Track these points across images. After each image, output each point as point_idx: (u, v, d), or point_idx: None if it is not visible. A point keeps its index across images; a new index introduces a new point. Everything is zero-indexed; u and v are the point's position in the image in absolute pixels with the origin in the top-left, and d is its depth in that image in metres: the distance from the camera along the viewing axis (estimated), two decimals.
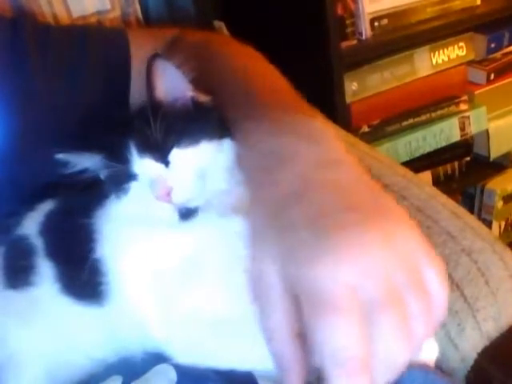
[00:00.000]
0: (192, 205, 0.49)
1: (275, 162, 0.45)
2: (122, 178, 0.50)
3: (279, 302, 0.41)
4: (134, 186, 0.50)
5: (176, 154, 0.49)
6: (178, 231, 0.50)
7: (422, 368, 0.52)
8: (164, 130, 0.48)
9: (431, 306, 0.39)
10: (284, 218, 0.41)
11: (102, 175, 0.52)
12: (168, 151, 0.48)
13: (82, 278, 0.51)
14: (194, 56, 0.56)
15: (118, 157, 0.49)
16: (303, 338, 0.40)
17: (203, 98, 0.52)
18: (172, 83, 0.51)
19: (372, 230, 0.39)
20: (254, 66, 0.58)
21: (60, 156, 0.51)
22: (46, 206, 0.57)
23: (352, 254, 0.38)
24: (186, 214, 0.49)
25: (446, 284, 0.40)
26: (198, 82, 0.52)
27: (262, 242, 0.42)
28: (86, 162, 0.51)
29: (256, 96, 0.52)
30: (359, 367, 0.37)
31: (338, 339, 0.37)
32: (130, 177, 0.50)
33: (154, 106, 0.49)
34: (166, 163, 0.49)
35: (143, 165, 0.49)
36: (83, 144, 0.51)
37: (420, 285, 0.39)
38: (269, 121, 0.48)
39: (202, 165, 0.49)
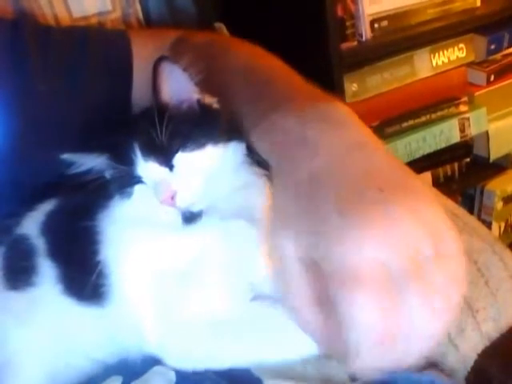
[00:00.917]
0: (196, 209, 0.49)
1: (305, 149, 0.45)
2: (126, 180, 0.50)
3: (299, 274, 0.41)
4: (138, 188, 0.50)
5: (181, 158, 0.48)
6: (181, 235, 0.50)
7: (431, 376, 0.52)
8: (169, 134, 0.48)
9: (454, 278, 0.40)
10: (312, 198, 0.42)
11: (108, 175, 0.51)
12: (173, 155, 0.48)
13: (83, 279, 0.51)
14: (199, 56, 0.56)
15: (122, 159, 0.49)
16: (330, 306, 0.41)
17: (210, 100, 0.52)
18: (178, 86, 0.51)
19: (398, 206, 0.40)
20: (264, 61, 0.58)
21: (65, 156, 0.51)
22: (46, 206, 0.57)
23: (378, 228, 0.39)
24: (190, 217, 0.49)
25: (465, 259, 0.41)
26: (205, 83, 0.52)
27: (288, 223, 0.42)
28: (91, 162, 0.51)
29: (274, 88, 0.52)
30: (387, 340, 0.38)
31: (366, 315, 0.38)
32: (135, 179, 0.50)
33: (159, 109, 0.49)
34: (171, 167, 0.48)
35: (147, 168, 0.49)
36: (88, 144, 0.51)
37: (444, 258, 0.40)
38: (294, 110, 0.48)
39: (206, 169, 0.49)
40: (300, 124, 0.47)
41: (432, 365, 0.57)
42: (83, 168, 0.51)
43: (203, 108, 0.51)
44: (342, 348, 0.40)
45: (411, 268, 0.39)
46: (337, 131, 0.46)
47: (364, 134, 0.46)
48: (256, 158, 0.51)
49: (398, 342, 0.38)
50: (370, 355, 0.39)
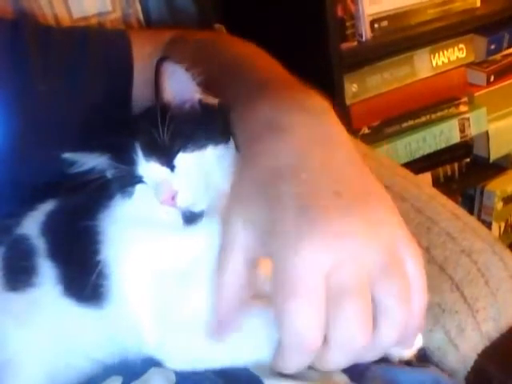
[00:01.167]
0: (197, 209, 0.49)
1: (273, 130, 0.45)
2: (127, 180, 0.50)
3: (237, 263, 0.42)
4: (139, 188, 0.50)
5: (182, 159, 0.48)
6: (181, 235, 0.50)
7: (433, 373, 0.53)
8: (171, 134, 0.48)
9: (409, 292, 0.40)
10: (273, 189, 0.41)
11: (109, 174, 0.51)
12: (174, 155, 0.48)
13: (83, 280, 0.51)
14: (196, 53, 0.56)
15: (124, 158, 0.49)
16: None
17: (211, 101, 0.52)
18: (180, 86, 0.50)
19: (355, 218, 0.39)
20: (258, 59, 0.58)
21: (66, 155, 0.51)
22: (47, 206, 0.57)
23: (332, 241, 0.39)
24: (191, 217, 0.49)
25: (423, 269, 0.41)
26: (203, 80, 0.52)
27: (246, 206, 0.42)
28: (92, 162, 0.51)
29: (254, 76, 0.53)
30: (310, 349, 0.39)
31: (298, 323, 0.39)
32: (136, 179, 0.50)
33: (161, 109, 0.49)
34: (172, 167, 0.48)
35: (149, 168, 0.49)
36: (88, 144, 0.51)
37: (399, 270, 0.40)
38: (272, 96, 0.48)
39: (207, 169, 0.49)
40: (273, 107, 0.47)
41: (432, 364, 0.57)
42: (84, 167, 0.51)
43: (205, 108, 0.51)
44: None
45: (352, 285, 0.39)
46: (309, 119, 0.45)
47: (336, 127, 0.46)
48: None
49: (317, 352, 0.39)
50: (291, 359, 0.40)
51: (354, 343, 0.39)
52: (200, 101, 0.52)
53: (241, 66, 0.57)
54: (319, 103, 0.47)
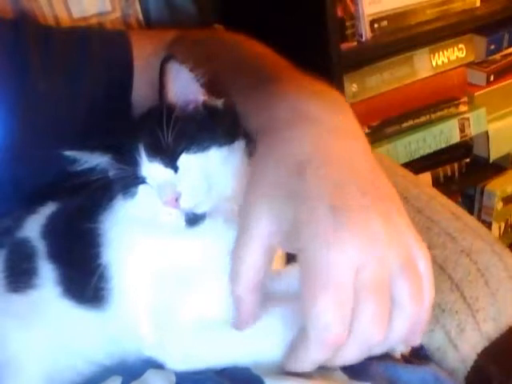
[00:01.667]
0: (199, 210, 0.49)
1: (302, 118, 0.45)
2: (129, 180, 0.50)
3: (256, 253, 0.42)
4: (141, 189, 0.50)
5: (185, 160, 0.48)
6: (184, 236, 0.50)
7: (433, 370, 0.53)
8: (175, 135, 0.48)
9: (422, 291, 0.42)
10: (301, 179, 0.42)
11: (111, 174, 0.51)
12: (177, 157, 0.48)
13: (84, 282, 0.50)
14: (200, 51, 0.56)
15: (126, 159, 0.49)
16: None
17: (215, 102, 0.52)
18: (184, 86, 0.50)
19: (379, 219, 0.41)
20: (267, 53, 0.58)
21: (68, 153, 0.51)
22: (48, 209, 0.57)
23: (361, 239, 0.40)
24: (193, 219, 0.49)
25: (431, 269, 0.43)
26: (208, 78, 0.52)
27: (270, 195, 0.42)
28: (94, 160, 0.51)
29: (277, 72, 0.53)
30: (335, 344, 0.40)
31: (328, 317, 0.39)
32: (138, 179, 0.49)
33: (165, 110, 0.48)
34: (175, 169, 0.48)
35: (152, 169, 0.48)
36: (91, 143, 0.51)
37: (414, 269, 0.42)
38: (294, 85, 0.48)
39: (211, 171, 0.49)
40: (293, 93, 0.47)
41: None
42: (86, 166, 0.51)
43: (209, 110, 0.51)
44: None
45: (376, 284, 0.40)
46: (331, 112, 0.46)
47: (354, 122, 0.47)
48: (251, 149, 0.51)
49: (341, 348, 0.40)
50: (315, 353, 0.41)
51: (371, 340, 0.41)
52: (204, 102, 0.51)
53: (250, 59, 0.57)
54: (338, 96, 0.48)
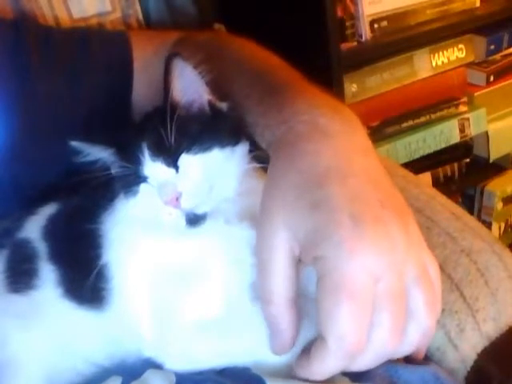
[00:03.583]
0: (200, 211, 0.49)
1: (316, 132, 0.45)
2: (131, 179, 0.50)
3: (283, 266, 0.42)
4: (142, 188, 0.50)
5: (187, 160, 0.48)
6: (184, 237, 0.50)
7: (433, 369, 0.53)
8: (178, 135, 0.48)
9: (436, 301, 0.43)
10: (321, 190, 0.42)
11: (113, 171, 0.51)
12: (178, 157, 0.48)
13: (85, 283, 0.50)
14: (205, 53, 0.56)
15: (130, 157, 0.49)
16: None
17: (220, 104, 0.52)
18: (189, 84, 0.50)
19: (398, 230, 0.41)
20: (268, 57, 0.58)
21: (74, 143, 0.51)
22: (48, 209, 0.57)
23: (382, 247, 0.40)
24: (194, 219, 0.49)
25: (440, 276, 0.44)
26: (213, 80, 0.52)
27: (289, 208, 0.42)
28: (98, 154, 0.50)
29: (284, 78, 0.53)
30: (353, 352, 0.40)
31: (346, 324, 0.39)
32: (140, 178, 0.49)
33: (169, 109, 0.48)
34: (177, 168, 0.48)
35: (154, 168, 0.48)
36: (97, 137, 0.51)
37: (428, 279, 0.42)
38: (307, 95, 0.48)
39: (212, 171, 0.49)
40: (312, 107, 0.47)
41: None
42: (88, 158, 0.51)
43: (213, 110, 0.51)
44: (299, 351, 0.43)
45: (394, 294, 0.40)
46: (346, 129, 0.46)
47: (367, 140, 0.47)
48: (256, 154, 0.51)
49: (358, 356, 0.41)
50: (334, 361, 0.41)
51: (387, 348, 0.41)
52: (210, 101, 0.51)
53: (257, 66, 0.56)
54: (350, 112, 0.48)
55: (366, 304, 0.40)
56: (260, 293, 0.44)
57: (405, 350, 0.43)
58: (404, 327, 0.41)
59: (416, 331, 0.42)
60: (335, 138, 0.45)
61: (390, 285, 0.40)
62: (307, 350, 0.43)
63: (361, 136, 0.47)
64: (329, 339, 0.40)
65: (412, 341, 0.42)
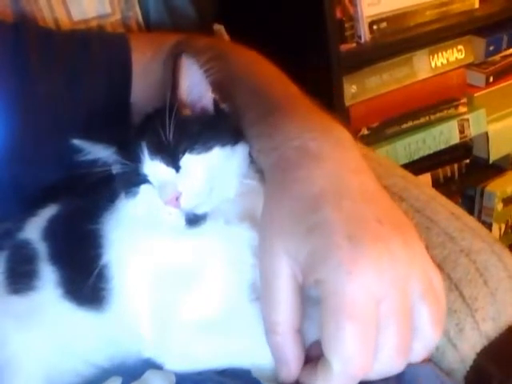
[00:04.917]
0: (200, 211, 0.49)
1: (309, 157, 0.45)
2: (132, 178, 0.50)
3: (287, 295, 0.42)
4: (143, 188, 0.50)
5: (188, 160, 0.48)
6: (184, 237, 0.50)
7: (433, 370, 0.53)
8: (178, 134, 0.48)
9: (441, 316, 0.42)
10: (317, 215, 0.42)
11: (114, 170, 0.51)
12: (180, 157, 0.48)
13: (85, 284, 0.50)
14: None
15: (130, 155, 0.49)
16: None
17: (221, 104, 0.52)
18: (195, 83, 0.50)
19: (398, 248, 0.41)
20: (262, 68, 0.58)
21: (75, 141, 0.51)
22: (48, 210, 0.57)
23: (382, 264, 0.40)
24: (194, 219, 0.49)
25: (443, 287, 0.43)
26: (214, 81, 0.52)
27: (287, 236, 0.42)
28: (99, 152, 0.51)
29: (278, 97, 0.53)
30: (359, 374, 0.40)
31: (351, 347, 0.39)
32: (140, 178, 0.49)
33: (171, 109, 0.48)
34: (177, 168, 0.48)
35: (154, 167, 0.48)
36: (99, 135, 0.51)
37: (434, 294, 0.42)
38: (299, 117, 0.48)
39: (213, 171, 0.49)
40: (303, 130, 0.47)
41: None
42: (89, 157, 0.51)
43: (216, 109, 0.51)
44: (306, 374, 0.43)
45: (398, 314, 0.40)
46: (339, 150, 0.46)
47: (361, 159, 0.47)
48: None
49: (364, 374, 0.40)
50: (339, 382, 0.40)
51: (393, 368, 0.41)
52: (214, 99, 0.51)
53: (253, 82, 0.56)
54: (342, 131, 0.48)
55: (369, 325, 0.39)
56: (264, 322, 0.44)
57: (410, 362, 0.43)
58: (410, 345, 0.41)
59: (422, 348, 0.42)
60: (327, 161, 0.45)
61: (394, 303, 0.40)
62: (313, 364, 0.43)
63: (353, 155, 0.46)
64: (333, 363, 0.40)
65: (417, 355, 0.42)
